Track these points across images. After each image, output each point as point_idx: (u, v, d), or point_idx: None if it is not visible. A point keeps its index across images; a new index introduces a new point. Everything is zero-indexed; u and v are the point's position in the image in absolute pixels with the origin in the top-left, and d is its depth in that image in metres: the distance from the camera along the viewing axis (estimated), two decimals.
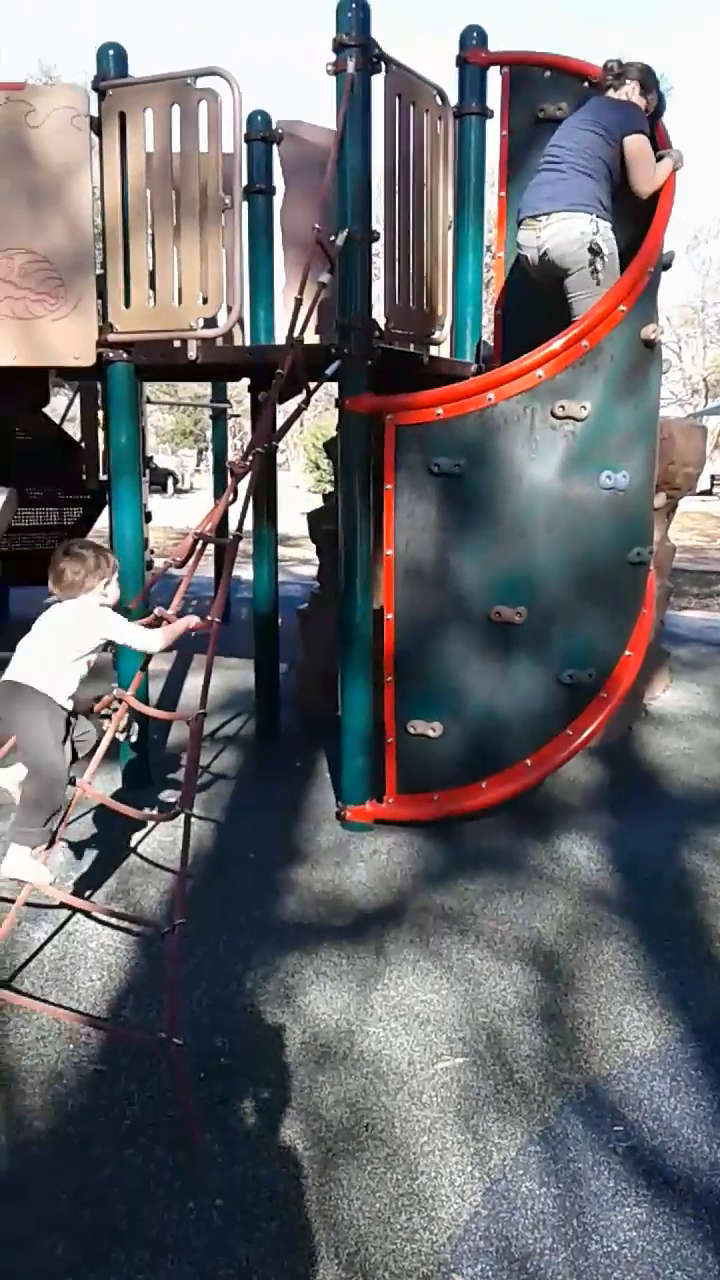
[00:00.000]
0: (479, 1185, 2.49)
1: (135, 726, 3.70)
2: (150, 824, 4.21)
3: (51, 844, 3.19)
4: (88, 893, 3.78)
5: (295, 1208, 2.41)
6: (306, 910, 3.74)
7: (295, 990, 3.23)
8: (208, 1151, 2.56)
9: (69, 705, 3.14)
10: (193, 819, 3.07)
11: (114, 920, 3.54)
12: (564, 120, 4.37)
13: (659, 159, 4.18)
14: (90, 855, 4.06)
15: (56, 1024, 3.02)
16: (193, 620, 3.41)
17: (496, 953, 3.47)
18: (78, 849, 4.10)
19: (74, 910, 3.58)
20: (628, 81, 4.29)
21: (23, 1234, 2.33)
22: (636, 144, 4.14)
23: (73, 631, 3.14)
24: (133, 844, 4.15)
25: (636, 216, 4.23)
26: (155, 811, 4.26)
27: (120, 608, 3.33)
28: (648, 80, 4.30)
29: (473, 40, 4.75)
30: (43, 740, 3.05)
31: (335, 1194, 2.45)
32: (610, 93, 4.31)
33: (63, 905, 3.57)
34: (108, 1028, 3.02)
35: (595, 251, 4.11)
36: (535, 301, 4.70)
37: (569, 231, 4.12)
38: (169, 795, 4.62)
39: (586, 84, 4.49)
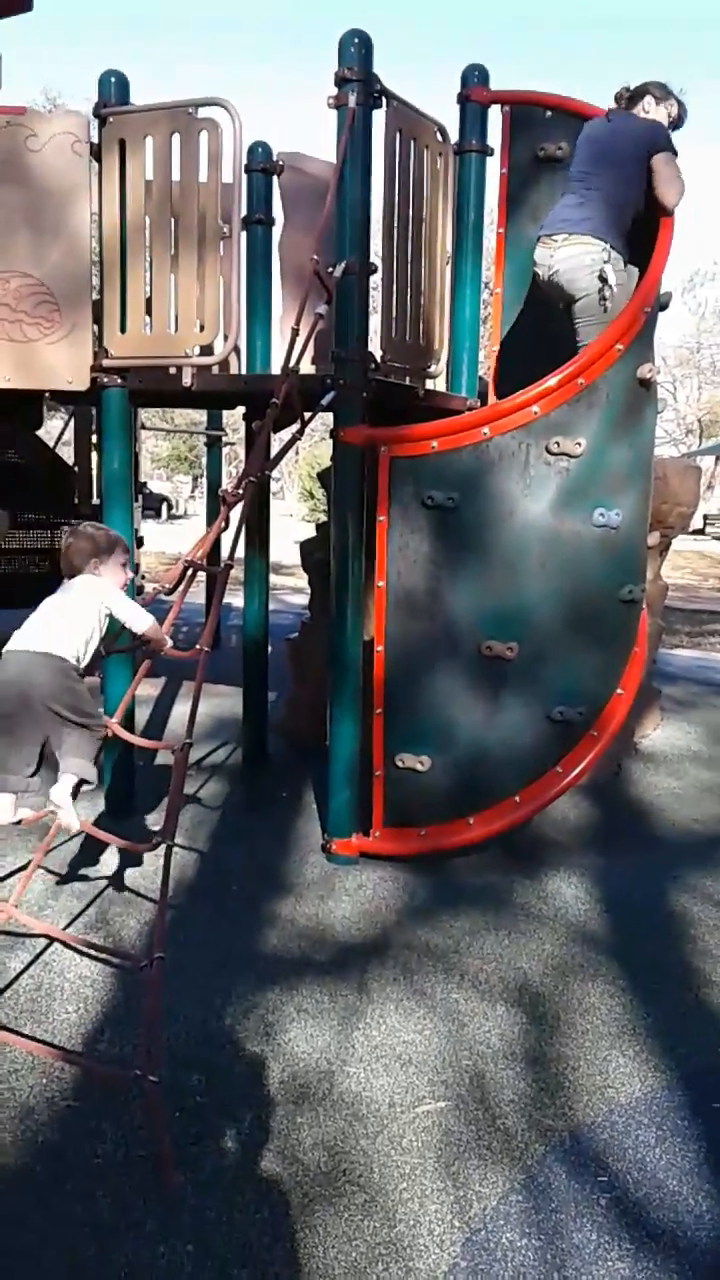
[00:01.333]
0: (459, 1235, 2.42)
1: None
2: (132, 853, 4.15)
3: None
4: (66, 922, 3.71)
5: (269, 1255, 2.34)
6: (289, 944, 3.68)
7: (275, 1027, 3.17)
8: (181, 1193, 2.49)
9: (80, 669, 3.19)
10: (175, 849, 3.03)
11: (92, 951, 3.47)
12: (588, 136, 4.35)
13: None
14: (70, 884, 4.00)
15: (30, 1057, 2.95)
16: (168, 645, 3.48)
17: (481, 993, 3.42)
18: (59, 878, 4.03)
19: (51, 939, 3.51)
20: (643, 98, 4.32)
21: None
22: (664, 162, 4.17)
23: (79, 603, 3.26)
24: (114, 873, 4.09)
25: (634, 254, 4.26)
26: (138, 841, 4.20)
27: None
28: (661, 91, 4.34)
29: (474, 78, 4.79)
30: (79, 693, 3.13)
31: (311, 1241, 2.39)
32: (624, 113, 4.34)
33: (40, 934, 3.51)
34: (82, 1063, 2.95)
35: (604, 280, 4.14)
36: (532, 338, 4.73)
37: (581, 257, 4.16)
38: (152, 824, 4.56)
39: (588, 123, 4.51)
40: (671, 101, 4.34)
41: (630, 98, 4.36)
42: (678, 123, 4.36)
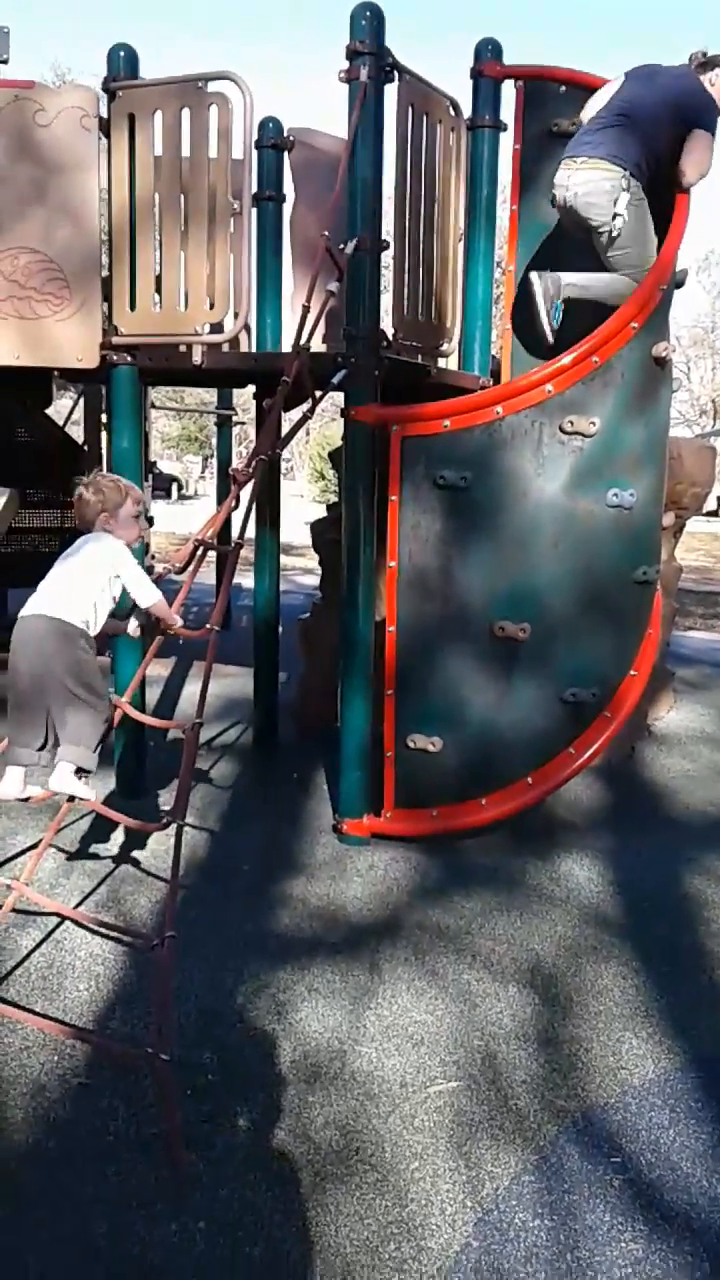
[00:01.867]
0: (471, 1215, 2.42)
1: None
2: (143, 833, 4.15)
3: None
4: (78, 900, 3.72)
5: (280, 1233, 2.34)
6: (300, 924, 3.67)
7: (287, 1007, 3.17)
8: (192, 1171, 2.49)
9: (93, 633, 3.18)
10: (186, 829, 3.02)
11: (104, 930, 3.48)
12: (637, 74, 4.26)
13: None
14: (81, 862, 4.00)
15: (41, 1034, 2.95)
16: (177, 623, 3.46)
17: (493, 973, 3.41)
18: (69, 856, 4.04)
19: (63, 918, 3.52)
20: (713, 69, 4.21)
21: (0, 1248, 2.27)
22: (699, 137, 4.10)
23: (91, 565, 3.21)
24: (125, 852, 4.09)
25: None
26: (149, 820, 4.20)
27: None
28: None
29: (488, 53, 4.73)
30: (88, 664, 3.12)
31: (322, 1220, 2.39)
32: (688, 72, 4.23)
33: (52, 913, 3.51)
34: (94, 1040, 2.95)
35: (618, 215, 4.08)
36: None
37: (600, 182, 4.08)
38: (163, 803, 4.56)
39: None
40: None
41: (702, 64, 4.22)
42: None
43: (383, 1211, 2.42)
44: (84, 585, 3.17)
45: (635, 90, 4.20)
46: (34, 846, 3.81)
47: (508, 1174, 2.55)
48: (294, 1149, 2.60)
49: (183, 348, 4.37)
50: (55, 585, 3.18)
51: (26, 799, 3.28)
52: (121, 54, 4.18)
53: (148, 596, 3.31)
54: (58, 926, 3.51)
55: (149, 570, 3.77)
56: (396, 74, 4.15)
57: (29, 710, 3.11)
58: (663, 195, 4.21)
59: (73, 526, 7.64)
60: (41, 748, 3.14)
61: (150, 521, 7.90)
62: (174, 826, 2.96)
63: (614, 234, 4.14)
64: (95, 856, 4.07)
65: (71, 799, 3.28)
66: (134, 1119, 2.66)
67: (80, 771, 3.13)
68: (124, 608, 3.43)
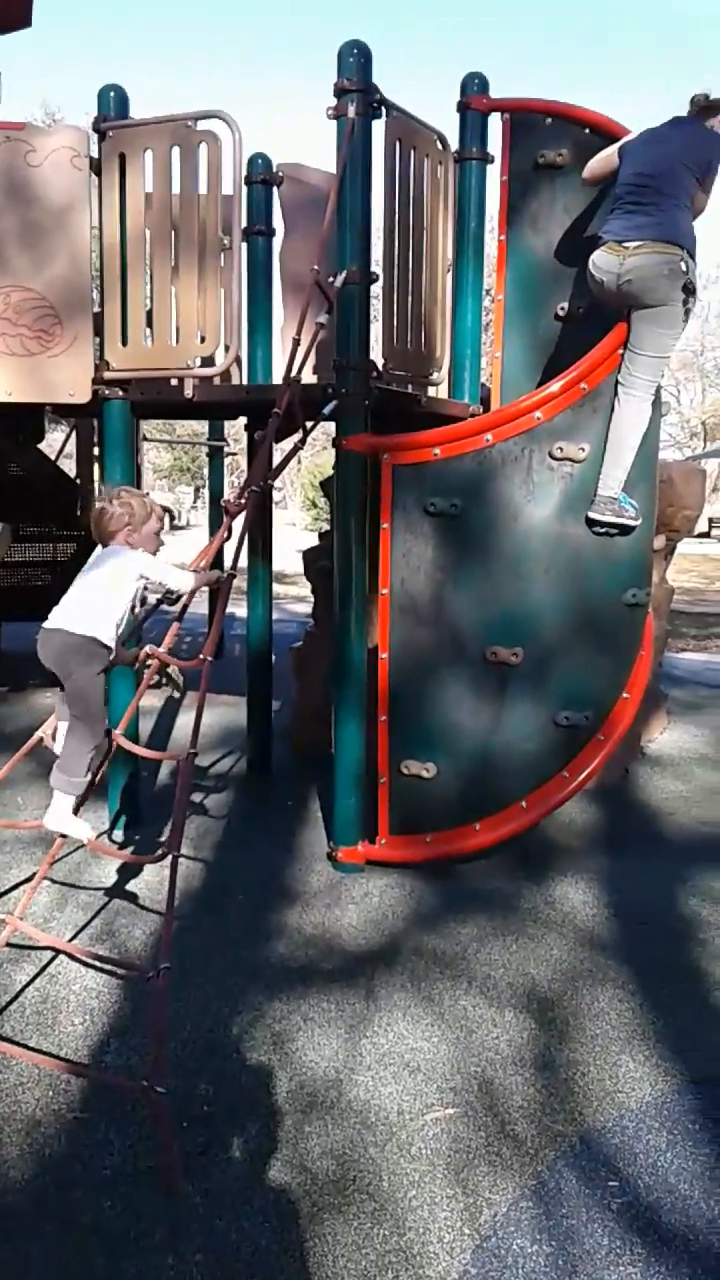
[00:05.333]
0: (469, 1242, 2.41)
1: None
2: (137, 865, 4.15)
3: (86, 797, 3.41)
4: (72, 934, 3.71)
5: (278, 1264, 2.33)
6: (296, 953, 3.67)
7: (283, 1036, 3.16)
8: (189, 1203, 2.48)
9: (111, 645, 3.28)
10: (181, 859, 3.02)
11: (99, 963, 3.47)
12: (644, 140, 4.13)
13: None
14: (75, 895, 4.00)
15: (36, 1070, 2.94)
16: (214, 575, 3.65)
17: (490, 999, 3.41)
18: (63, 889, 4.03)
19: (57, 952, 3.51)
20: (718, 114, 4.10)
21: None
22: (714, 179, 4.03)
23: (111, 580, 3.30)
24: (120, 884, 4.09)
25: None
26: (143, 852, 4.21)
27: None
28: None
29: (474, 86, 4.80)
30: (92, 684, 3.25)
31: (320, 1250, 2.38)
32: (696, 121, 4.12)
33: (46, 947, 3.51)
34: (89, 1074, 2.94)
35: (690, 291, 3.94)
36: (534, 344, 4.73)
37: (659, 266, 3.90)
38: (158, 834, 4.55)
39: (588, 130, 4.51)
40: None
41: (706, 108, 4.10)
42: None
43: (380, 1241, 2.41)
44: (106, 599, 3.28)
45: (655, 157, 4.04)
46: (28, 880, 3.81)
47: (505, 1200, 2.54)
48: (291, 1179, 2.59)
49: (174, 381, 4.41)
50: (77, 596, 3.30)
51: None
52: (112, 94, 4.25)
53: (182, 583, 3.44)
54: (52, 960, 3.50)
55: (142, 601, 3.81)
56: (384, 109, 4.22)
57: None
58: None
59: (65, 560, 7.70)
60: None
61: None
62: (169, 857, 2.96)
63: (694, 302, 4.00)
64: (90, 889, 4.06)
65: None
66: (130, 1152, 2.65)
67: (77, 802, 3.26)
68: (128, 636, 3.51)
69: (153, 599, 4.31)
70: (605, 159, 4.23)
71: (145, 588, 3.39)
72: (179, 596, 3.68)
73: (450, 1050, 3.13)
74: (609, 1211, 2.52)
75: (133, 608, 3.37)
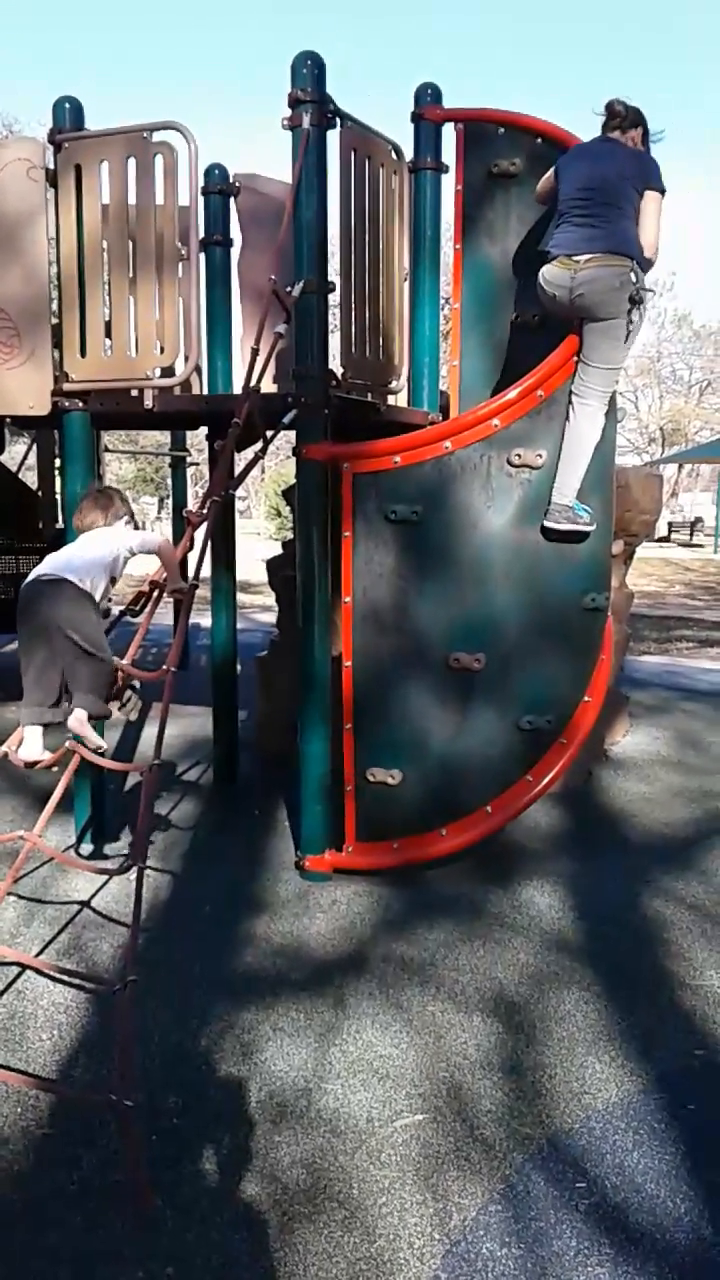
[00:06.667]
0: (439, 1248, 2.42)
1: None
2: (104, 877, 4.12)
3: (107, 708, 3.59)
4: (39, 949, 3.69)
5: (249, 1275, 2.33)
6: (264, 963, 3.67)
7: (252, 1046, 3.16)
8: (158, 1216, 2.48)
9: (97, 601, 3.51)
10: (148, 871, 3.01)
11: (65, 977, 3.45)
12: (591, 153, 4.14)
13: None
14: (42, 910, 3.97)
15: (4, 1086, 2.92)
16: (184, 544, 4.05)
17: (458, 1004, 3.42)
18: (29, 904, 4.00)
19: (24, 967, 3.49)
20: (638, 128, 4.15)
21: None
22: (655, 202, 4.04)
23: (97, 544, 3.62)
24: (86, 898, 4.07)
25: None
26: (109, 865, 4.18)
27: None
28: (648, 130, 4.19)
29: (428, 97, 4.84)
30: (93, 621, 3.44)
31: (291, 1260, 2.38)
32: (618, 134, 4.16)
33: (12, 962, 3.48)
34: (56, 1090, 2.93)
35: (636, 301, 3.97)
36: (492, 352, 4.77)
37: (610, 279, 3.93)
38: (124, 847, 4.53)
39: (540, 140, 4.56)
40: (647, 146, 4.21)
41: (625, 118, 4.13)
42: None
43: (351, 1249, 2.42)
44: (90, 556, 3.52)
45: (595, 174, 4.06)
46: None
47: (475, 1204, 2.56)
48: (261, 1189, 2.59)
49: (134, 392, 4.40)
50: (61, 556, 3.53)
51: (34, 764, 3.51)
52: (67, 106, 4.24)
53: (152, 542, 3.80)
54: (19, 976, 3.48)
55: (105, 614, 3.82)
56: (339, 120, 4.24)
57: (41, 669, 3.40)
58: None
59: (26, 574, 7.64)
60: (55, 704, 3.42)
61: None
62: (135, 869, 2.95)
63: (641, 313, 4.03)
64: (56, 903, 4.04)
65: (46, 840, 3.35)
66: (98, 1166, 2.64)
67: (92, 719, 3.44)
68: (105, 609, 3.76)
69: (115, 610, 4.31)
70: (548, 179, 4.30)
71: (126, 559, 3.68)
72: (141, 609, 3.69)
73: (419, 1056, 3.14)
74: (577, 1212, 2.54)
75: (112, 580, 3.61)
